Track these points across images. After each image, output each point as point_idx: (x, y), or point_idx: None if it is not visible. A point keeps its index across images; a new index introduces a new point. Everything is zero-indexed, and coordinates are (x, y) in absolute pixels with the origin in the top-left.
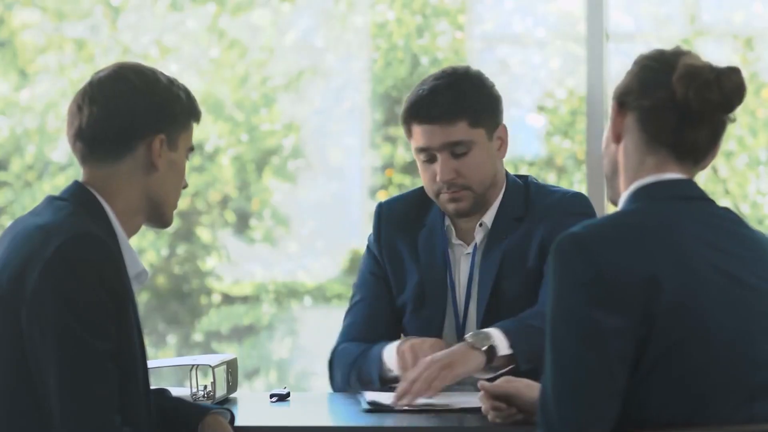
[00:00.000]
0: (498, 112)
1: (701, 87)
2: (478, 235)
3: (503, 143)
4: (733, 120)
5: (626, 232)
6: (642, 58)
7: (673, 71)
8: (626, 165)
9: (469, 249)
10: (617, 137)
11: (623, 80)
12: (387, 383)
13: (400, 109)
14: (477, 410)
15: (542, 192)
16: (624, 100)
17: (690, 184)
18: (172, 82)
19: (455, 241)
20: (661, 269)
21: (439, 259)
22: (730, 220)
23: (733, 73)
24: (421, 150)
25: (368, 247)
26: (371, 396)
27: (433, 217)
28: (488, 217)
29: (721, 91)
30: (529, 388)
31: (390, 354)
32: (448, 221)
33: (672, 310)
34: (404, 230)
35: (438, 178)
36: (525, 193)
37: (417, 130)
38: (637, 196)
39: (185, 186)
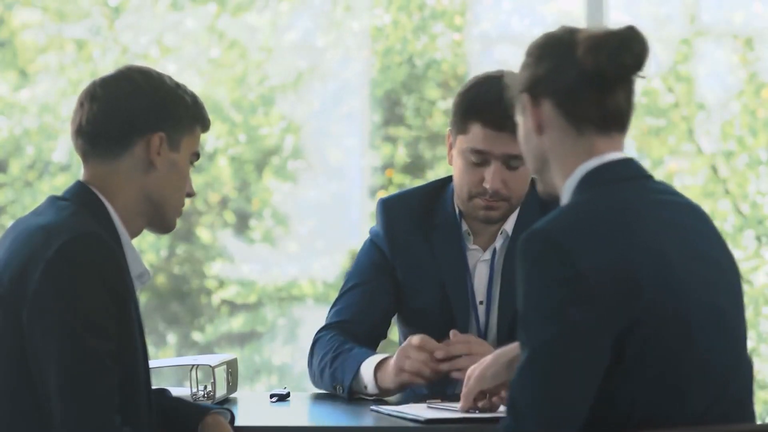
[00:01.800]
0: None
1: (612, 53)
2: (498, 242)
3: None
4: (644, 77)
5: (594, 225)
6: (535, 48)
7: (575, 48)
8: (557, 153)
9: (486, 255)
10: (539, 128)
11: (524, 73)
12: (355, 395)
13: (462, 98)
14: None
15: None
16: (534, 91)
17: (632, 164)
18: (178, 86)
19: (471, 246)
20: (636, 261)
21: (459, 264)
22: (672, 193)
23: (636, 33)
24: (477, 152)
25: (372, 240)
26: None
27: (444, 217)
28: (509, 225)
29: (632, 52)
30: None
31: (369, 368)
32: (465, 225)
33: (651, 302)
34: (415, 229)
35: (488, 186)
36: (539, 197)
37: (479, 131)
38: (586, 183)
39: (191, 194)
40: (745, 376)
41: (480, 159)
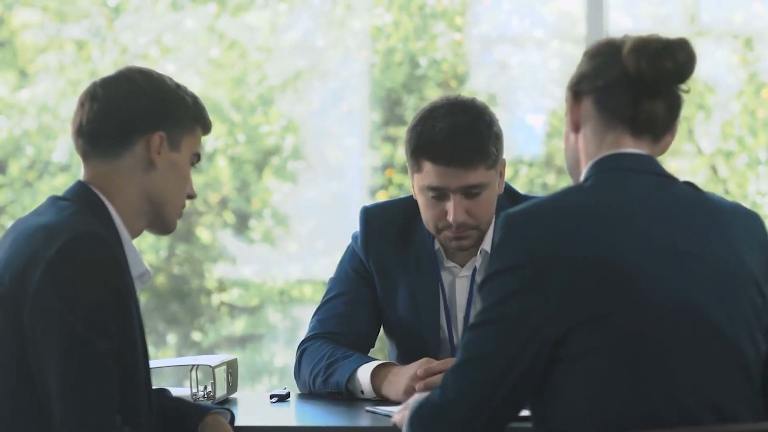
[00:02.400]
0: (502, 149)
1: (653, 56)
2: (478, 260)
3: (502, 177)
4: (687, 91)
5: (565, 214)
6: (590, 48)
7: (621, 49)
8: (586, 150)
9: (466, 271)
10: (576, 126)
11: (575, 71)
12: (353, 397)
13: (410, 136)
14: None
15: None
16: (578, 88)
17: (648, 159)
18: (178, 86)
19: (447, 264)
20: (596, 253)
21: (433, 283)
22: (688, 191)
23: (684, 43)
24: (433, 188)
25: (352, 247)
26: None
27: (422, 235)
28: (487, 243)
29: (674, 59)
30: None
31: (365, 375)
32: (438, 245)
33: (614, 294)
34: (393, 242)
35: (451, 219)
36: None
37: (431, 169)
38: (592, 169)
39: (192, 196)
40: (732, 377)
41: (438, 194)
